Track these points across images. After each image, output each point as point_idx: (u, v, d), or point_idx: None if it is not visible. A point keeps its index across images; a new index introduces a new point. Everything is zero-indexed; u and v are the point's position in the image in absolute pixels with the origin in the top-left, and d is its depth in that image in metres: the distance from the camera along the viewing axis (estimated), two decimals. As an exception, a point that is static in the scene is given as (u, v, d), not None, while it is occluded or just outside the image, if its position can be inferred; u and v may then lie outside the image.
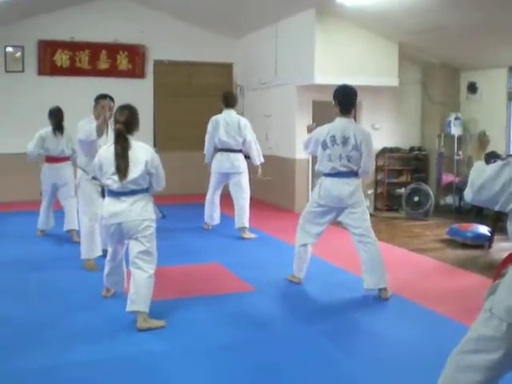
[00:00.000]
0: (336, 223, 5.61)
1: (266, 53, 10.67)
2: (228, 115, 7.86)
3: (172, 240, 7.24)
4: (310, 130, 5.64)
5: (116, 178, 4.42)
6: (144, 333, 4.38)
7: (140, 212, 4.48)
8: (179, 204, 9.93)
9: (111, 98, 5.92)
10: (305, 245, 5.55)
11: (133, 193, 4.47)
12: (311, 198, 5.60)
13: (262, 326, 4.60)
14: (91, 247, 6.05)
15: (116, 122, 4.49)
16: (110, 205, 4.55)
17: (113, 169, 4.42)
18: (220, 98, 8.07)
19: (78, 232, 7.24)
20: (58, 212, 7.70)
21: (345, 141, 5.19)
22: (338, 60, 9.08)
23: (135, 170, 4.41)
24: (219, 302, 5.14)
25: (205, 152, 8.09)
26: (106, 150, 4.56)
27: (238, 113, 8.12)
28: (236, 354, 4.06)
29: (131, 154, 4.42)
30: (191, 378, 3.72)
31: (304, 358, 3.97)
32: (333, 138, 5.21)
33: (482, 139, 3.09)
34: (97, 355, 3.99)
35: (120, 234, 4.58)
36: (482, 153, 2.98)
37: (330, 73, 8.90)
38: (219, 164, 7.96)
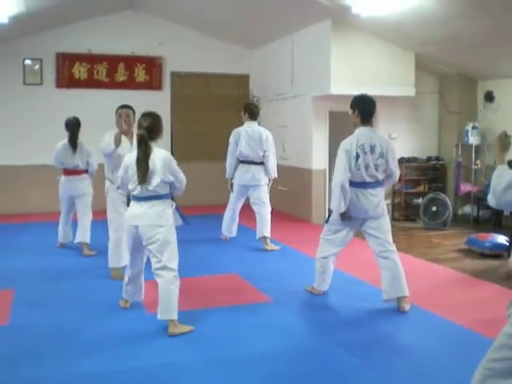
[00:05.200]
0: (357, 233, 5.58)
1: (282, 64, 10.70)
2: (250, 128, 7.81)
3: (190, 251, 7.24)
4: None
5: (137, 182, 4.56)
6: (163, 344, 4.40)
7: (155, 218, 4.59)
8: (196, 215, 9.95)
9: (129, 107, 5.95)
10: (326, 257, 5.50)
11: (151, 198, 4.60)
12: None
13: (278, 338, 4.59)
14: (118, 256, 6.09)
15: (139, 127, 4.62)
16: (132, 208, 4.73)
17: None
18: (243, 110, 8.00)
19: (89, 246, 7.33)
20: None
21: (372, 149, 5.19)
22: (354, 70, 9.07)
23: (154, 177, 4.54)
24: (236, 313, 5.13)
25: (227, 166, 8.02)
26: (131, 156, 4.68)
27: (259, 124, 8.08)
28: (253, 365, 4.05)
29: (151, 160, 4.54)
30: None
31: (322, 369, 3.96)
32: (362, 147, 5.18)
33: (503, 140, 2.96)
34: (115, 366, 4.01)
35: (136, 239, 4.73)
36: (503, 154, 2.90)
37: (346, 83, 8.89)
38: (240, 176, 7.93)
